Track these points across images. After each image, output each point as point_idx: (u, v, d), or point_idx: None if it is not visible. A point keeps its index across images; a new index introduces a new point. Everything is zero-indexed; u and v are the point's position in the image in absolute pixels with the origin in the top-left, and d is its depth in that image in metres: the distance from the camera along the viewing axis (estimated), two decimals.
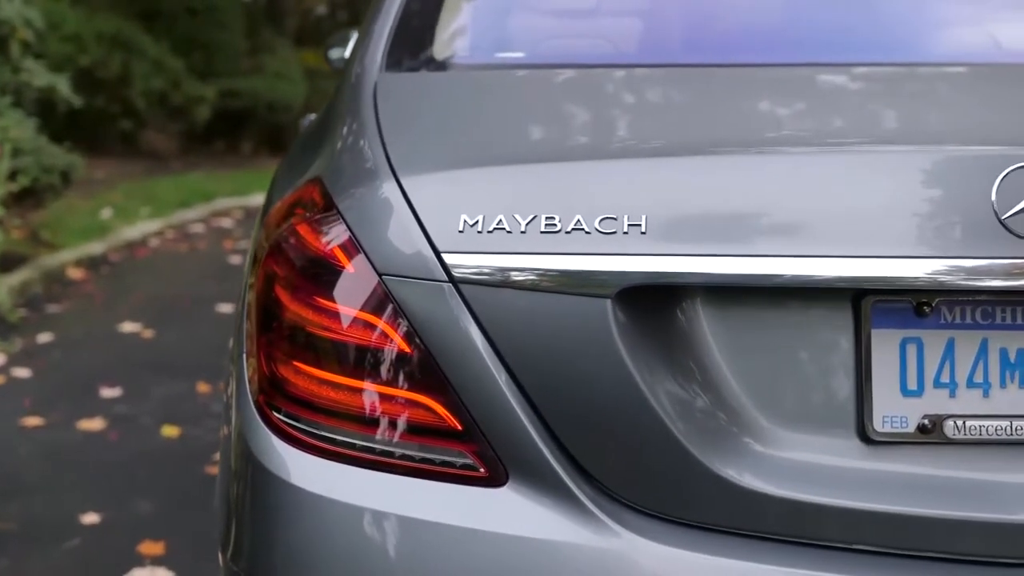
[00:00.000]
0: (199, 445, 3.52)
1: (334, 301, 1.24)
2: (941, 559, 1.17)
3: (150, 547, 2.80)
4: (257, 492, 1.29)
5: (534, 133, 1.38)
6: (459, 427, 1.21)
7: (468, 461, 1.21)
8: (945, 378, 1.19)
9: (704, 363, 1.19)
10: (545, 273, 1.16)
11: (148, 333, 5.03)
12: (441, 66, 1.67)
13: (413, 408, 1.22)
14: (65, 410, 3.88)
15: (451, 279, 1.18)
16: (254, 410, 1.30)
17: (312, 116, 3.26)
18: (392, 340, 1.22)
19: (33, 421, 3.78)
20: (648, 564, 1.17)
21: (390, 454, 1.23)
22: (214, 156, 12.98)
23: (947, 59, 1.58)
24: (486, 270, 1.18)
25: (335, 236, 1.25)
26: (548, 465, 1.19)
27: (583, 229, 1.17)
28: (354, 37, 2.43)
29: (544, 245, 1.17)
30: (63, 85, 6.85)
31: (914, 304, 1.19)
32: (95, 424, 3.75)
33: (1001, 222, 1.13)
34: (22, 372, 4.36)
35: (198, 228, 8.43)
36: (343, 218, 1.25)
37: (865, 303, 1.18)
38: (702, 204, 1.18)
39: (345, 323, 1.23)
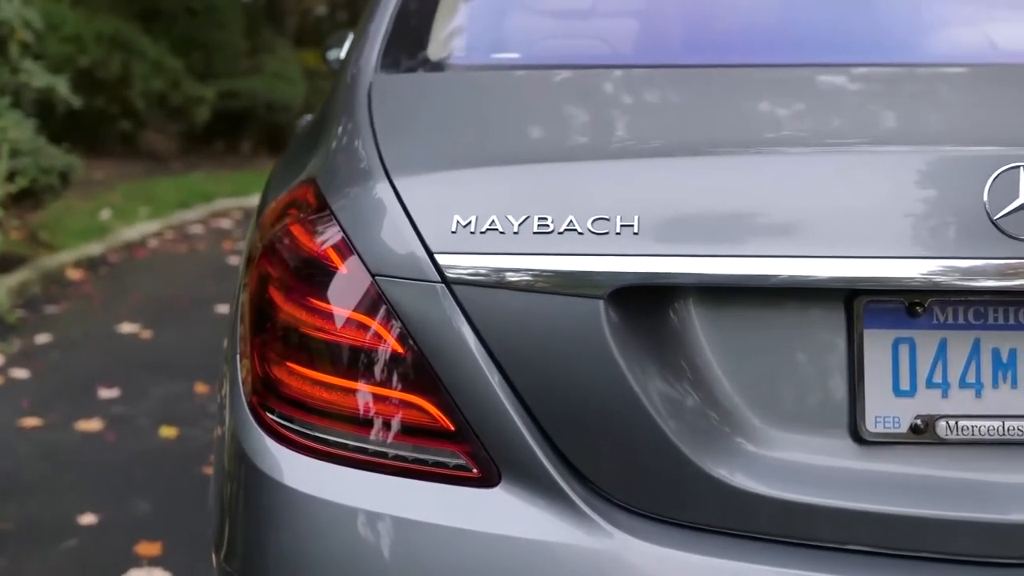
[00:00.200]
0: (197, 446, 3.52)
1: (327, 302, 1.24)
2: (933, 559, 1.17)
3: (147, 547, 2.81)
4: (250, 493, 1.29)
5: (528, 134, 1.38)
6: (452, 428, 1.21)
7: (461, 462, 1.21)
8: (937, 378, 1.19)
9: (696, 363, 1.20)
10: (538, 274, 1.17)
11: (146, 334, 5.03)
12: (436, 67, 1.67)
13: (406, 409, 1.22)
14: (63, 411, 3.89)
15: (444, 280, 1.19)
16: (247, 411, 1.31)
17: (309, 117, 3.25)
18: (385, 341, 1.22)
19: (31, 422, 3.78)
20: (640, 564, 1.17)
21: (383, 455, 1.23)
22: (214, 156, 12.97)
23: (939, 60, 1.59)
24: (479, 271, 1.18)
25: (329, 237, 1.25)
26: (541, 465, 1.19)
27: (576, 230, 1.17)
28: (351, 38, 2.43)
29: (537, 246, 1.17)
30: (62, 86, 6.85)
31: (906, 304, 1.19)
32: (93, 425, 3.75)
33: (993, 222, 1.13)
34: (20, 373, 4.36)
35: (197, 229, 8.42)
36: (336, 219, 1.26)
37: (857, 303, 1.18)
38: (694, 205, 1.18)
39: (338, 324, 1.23)
